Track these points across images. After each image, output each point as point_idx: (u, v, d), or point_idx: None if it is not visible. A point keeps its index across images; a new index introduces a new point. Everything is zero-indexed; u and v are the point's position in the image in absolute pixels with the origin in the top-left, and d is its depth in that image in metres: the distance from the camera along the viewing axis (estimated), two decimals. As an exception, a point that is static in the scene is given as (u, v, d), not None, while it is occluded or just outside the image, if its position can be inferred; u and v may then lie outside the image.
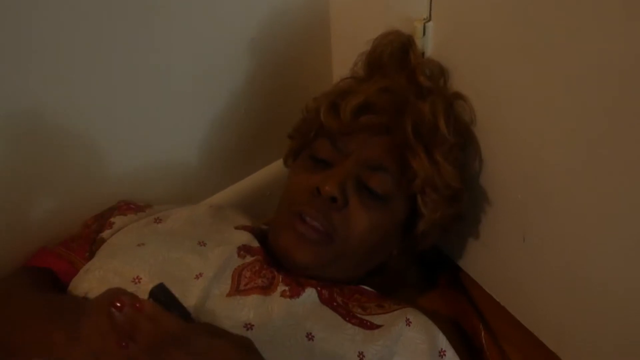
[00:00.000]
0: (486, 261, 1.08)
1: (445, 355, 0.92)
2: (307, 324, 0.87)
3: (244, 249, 0.96)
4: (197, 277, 0.89)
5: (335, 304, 0.93)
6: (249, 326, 0.85)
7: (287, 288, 0.91)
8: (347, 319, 0.90)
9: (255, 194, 1.21)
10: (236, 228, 1.02)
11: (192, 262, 0.91)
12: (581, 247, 0.91)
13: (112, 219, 1.02)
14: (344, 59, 1.18)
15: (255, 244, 0.97)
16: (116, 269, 0.90)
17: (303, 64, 1.20)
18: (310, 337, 0.85)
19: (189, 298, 0.86)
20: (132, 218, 1.02)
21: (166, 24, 1.02)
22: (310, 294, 0.92)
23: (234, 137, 1.19)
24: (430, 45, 1.03)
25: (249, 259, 0.94)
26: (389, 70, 1.02)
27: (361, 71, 1.06)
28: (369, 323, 0.91)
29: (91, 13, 0.93)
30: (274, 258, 0.96)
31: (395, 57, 1.02)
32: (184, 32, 1.05)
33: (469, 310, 1.10)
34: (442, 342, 0.93)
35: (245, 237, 0.98)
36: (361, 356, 0.86)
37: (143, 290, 0.86)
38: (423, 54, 1.03)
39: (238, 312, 0.86)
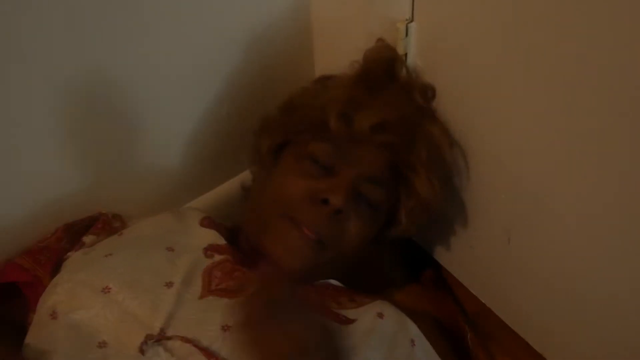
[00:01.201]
0: (471, 262, 1.08)
1: (415, 344, 0.93)
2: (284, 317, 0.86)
3: (210, 249, 0.95)
4: (167, 285, 0.89)
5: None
6: (226, 328, 0.84)
7: None
8: (324, 315, 0.90)
9: (238, 197, 1.19)
10: (201, 224, 1.01)
11: (161, 269, 0.91)
12: (567, 248, 0.91)
13: (84, 238, 1.00)
14: (326, 61, 1.20)
15: (221, 241, 0.97)
16: (85, 281, 0.89)
17: (285, 66, 1.19)
18: None
19: (162, 307, 0.86)
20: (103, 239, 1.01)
21: (146, 26, 1.01)
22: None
23: (216, 140, 1.17)
24: (412, 46, 1.02)
25: (217, 257, 0.94)
26: (381, 87, 1.02)
27: (353, 75, 1.05)
28: (344, 317, 0.92)
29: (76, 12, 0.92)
30: (245, 255, 0.96)
31: (387, 73, 1.03)
32: (164, 34, 1.03)
33: (454, 311, 1.10)
34: (413, 331, 0.94)
35: (211, 236, 0.98)
36: None
37: (112, 300, 0.86)
38: (406, 55, 1.03)
39: (212, 314, 0.86)
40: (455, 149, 1.01)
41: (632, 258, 0.83)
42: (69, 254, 0.98)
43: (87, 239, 1.00)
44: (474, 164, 1.00)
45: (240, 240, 1.01)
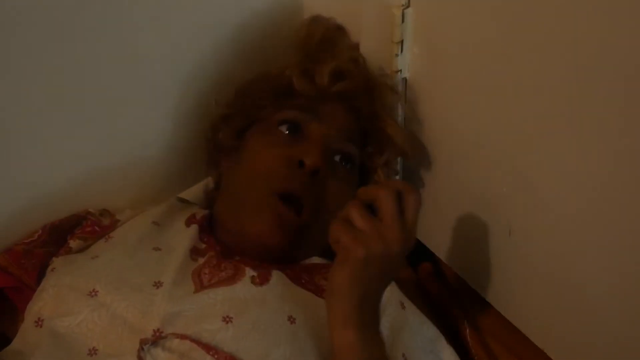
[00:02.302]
0: (470, 255, 1.07)
1: (405, 307, 0.95)
2: (285, 307, 0.86)
3: (194, 252, 0.93)
4: (156, 285, 0.86)
5: (303, 281, 0.92)
6: (228, 319, 0.82)
7: (255, 274, 0.89)
8: (319, 294, 0.90)
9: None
10: (187, 222, 1.00)
11: (148, 269, 0.89)
12: (568, 242, 0.90)
13: (71, 243, 0.97)
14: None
15: (201, 245, 0.95)
16: (71, 284, 0.87)
17: (275, 52, 1.15)
18: (292, 320, 0.84)
19: (154, 308, 0.83)
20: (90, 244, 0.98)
21: (129, 13, 0.99)
22: (279, 277, 0.90)
23: (198, 132, 1.14)
24: (409, 32, 1.00)
25: (201, 260, 0.92)
26: (328, 45, 1.05)
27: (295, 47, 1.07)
28: None
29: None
30: (227, 245, 0.95)
31: (327, 37, 1.06)
32: (150, 20, 1.01)
33: (451, 303, 1.09)
34: (400, 295, 0.96)
35: (194, 236, 0.96)
36: None
37: (100, 303, 0.84)
38: (402, 42, 1.00)
39: (212, 308, 0.84)
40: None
41: (633, 251, 0.82)
42: (54, 258, 0.95)
43: (74, 243, 0.97)
44: (472, 155, 0.99)
45: (218, 234, 0.99)
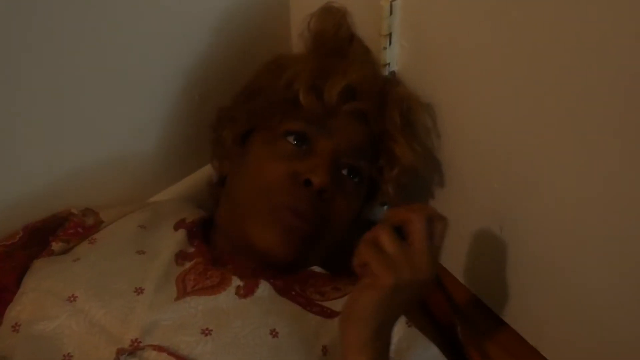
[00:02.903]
0: (461, 252, 1.05)
1: (410, 325, 0.92)
2: (269, 320, 0.84)
3: (181, 256, 0.91)
4: (137, 291, 0.85)
5: (293, 292, 0.90)
6: (207, 331, 0.81)
7: (241, 284, 0.87)
8: (308, 308, 0.89)
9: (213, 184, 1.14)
10: (175, 227, 0.97)
11: (131, 274, 0.87)
12: (561, 238, 0.89)
13: (53, 245, 0.95)
14: (305, 39, 1.13)
15: (190, 249, 0.93)
16: (50, 289, 0.85)
17: (260, 44, 1.13)
18: (274, 333, 0.82)
19: (133, 317, 0.81)
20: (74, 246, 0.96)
21: (117, 7, 0.96)
22: (264, 288, 0.88)
23: (187, 126, 1.13)
24: (397, 25, 0.98)
25: (188, 264, 0.90)
26: (339, 52, 1.00)
27: (308, 49, 1.03)
28: (329, 311, 0.90)
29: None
30: (220, 254, 0.93)
31: (339, 38, 1.01)
32: (135, 15, 0.99)
33: (443, 302, 1.07)
34: (404, 317, 0.92)
35: (181, 241, 0.94)
36: (324, 350, 0.84)
37: (78, 309, 0.82)
38: (390, 35, 0.98)
39: (192, 318, 0.82)
40: (428, 109, 0.99)
41: (626, 247, 0.82)
42: (35, 260, 0.93)
43: (57, 245, 0.95)
44: (463, 150, 0.98)
45: (215, 239, 0.97)
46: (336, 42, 1.00)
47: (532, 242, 0.93)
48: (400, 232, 0.78)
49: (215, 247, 0.96)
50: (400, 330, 0.89)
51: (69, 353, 0.80)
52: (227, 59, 1.12)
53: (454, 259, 1.07)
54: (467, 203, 1.01)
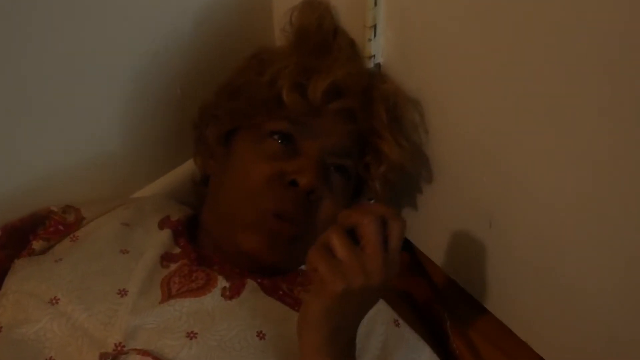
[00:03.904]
0: (450, 246, 1.05)
1: (399, 325, 0.92)
2: (255, 321, 0.83)
3: (166, 258, 0.90)
4: (120, 293, 0.83)
5: (281, 292, 0.89)
6: (192, 335, 0.80)
7: (227, 285, 0.86)
8: (296, 308, 0.87)
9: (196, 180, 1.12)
10: (160, 225, 0.96)
11: (114, 275, 0.86)
12: (551, 232, 0.89)
13: (34, 244, 0.93)
14: (288, 31, 1.12)
15: (175, 250, 0.92)
16: (32, 291, 0.84)
17: (243, 37, 1.11)
18: (261, 335, 0.82)
19: (116, 320, 0.80)
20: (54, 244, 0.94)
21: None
22: (252, 288, 0.87)
23: (170, 121, 1.11)
24: (382, 16, 0.96)
25: (173, 266, 0.89)
26: (323, 47, 0.98)
27: (291, 43, 1.01)
28: None
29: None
30: (205, 253, 0.92)
31: (321, 33, 0.99)
32: (103, 10, 0.96)
33: (431, 296, 1.07)
34: (392, 314, 0.92)
35: (166, 242, 0.92)
36: None
37: (60, 312, 0.81)
38: (375, 26, 0.97)
39: (176, 322, 0.81)
40: (415, 104, 0.98)
41: (616, 242, 0.81)
42: (16, 260, 0.91)
43: (37, 244, 0.93)
44: (451, 144, 0.96)
45: (201, 238, 0.96)
46: (319, 36, 0.98)
47: (521, 236, 0.92)
48: (354, 235, 0.75)
49: (201, 246, 0.94)
50: (387, 330, 0.89)
51: (51, 357, 0.78)
52: (209, 52, 1.10)
53: (442, 253, 1.06)
54: (455, 198, 1.00)
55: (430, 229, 1.07)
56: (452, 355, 1.00)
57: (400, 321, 0.92)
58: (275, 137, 0.91)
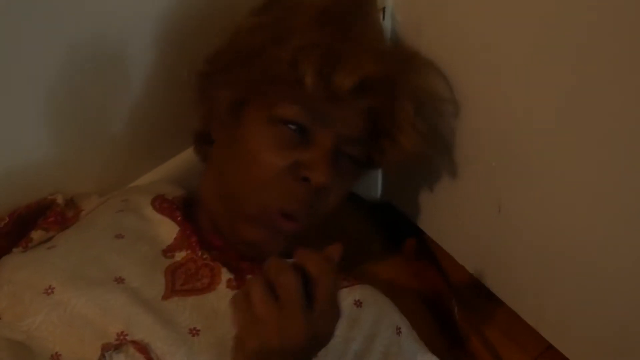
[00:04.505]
0: (459, 232, 1.05)
1: (401, 333, 0.89)
2: None
3: (169, 249, 0.88)
4: (117, 280, 0.82)
5: None
6: (194, 331, 0.79)
7: (232, 276, 0.85)
8: None
9: (196, 169, 1.11)
10: (153, 203, 0.93)
11: (109, 261, 0.84)
12: (560, 217, 0.89)
13: (32, 234, 0.92)
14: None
15: (175, 236, 0.89)
16: (26, 281, 0.82)
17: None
18: None
19: (115, 308, 0.79)
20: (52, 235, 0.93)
21: None
22: None
23: (176, 105, 1.06)
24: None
25: (178, 256, 0.87)
26: (353, 25, 0.90)
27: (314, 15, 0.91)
28: None
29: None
30: (206, 234, 0.90)
31: (350, 12, 0.91)
32: None
33: (439, 282, 1.06)
34: (397, 318, 0.90)
35: (167, 231, 0.90)
36: None
37: (57, 302, 0.79)
38: (384, 9, 0.96)
39: (179, 316, 0.80)
40: (435, 96, 0.94)
41: (626, 225, 0.81)
42: (13, 249, 0.90)
43: (36, 234, 0.92)
44: (461, 128, 0.95)
45: (201, 218, 0.93)
46: (350, 17, 0.90)
47: (532, 221, 0.92)
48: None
49: (201, 226, 0.92)
50: (391, 336, 0.87)
51: (57, 352, 0.77)
52: (216, 36, 1.03)
53: (451, 237, 1.06)
54: (464, 182, 0.99)
55: (439, 214, 1.07)
56: (460, 342, 1.00)
57: (403, 329, 0.89)
58: (291, 126, 0.86)
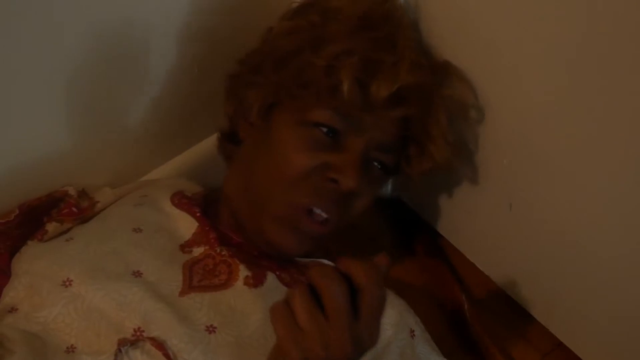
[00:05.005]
0: (470, 229, 1.05)
1: (415, 335, 0.88)
2: None
3: (187, 244, 0.88)
4: (135, 274, 0.82)
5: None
6: (211, 329, 0.78)
7: (249, 273, 0.84)
8: None
9: (213, 159, 1.10)
10: (172, 199, 0.93)
11: (128, 255, 0.84)
12: (571, 215, 0.89)
13: (47, 226, 0.91)
14: None
15: (194, 231, 0.89)
16: (44, 272, 0.82)
17: (260, 13, 1.06)
18: None
19: (132, 302, 0.78)
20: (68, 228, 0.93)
21: None
22: (273, 279, 0.85)
23: (186, 99, 1.08)
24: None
25: (196, 252, 0.87)
26: (387, 35, 0.90)
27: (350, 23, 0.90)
28: None
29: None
30: (226, 230, 0.90)
31: (385, 20, 0.91)
32: None
33: (449, 280, 1.06)
34: (411, 320, 0.89)
35: (186, 227, 0.89)
36: None
37: (75, 294, 0.79)
38: None
39: (196, 313, 0.79)
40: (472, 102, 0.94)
41: (638, 222, 0.81)
42: (29, 242, 0.90)
43: (51, 226, 0.91)
44: (473, 126, 0.95)
45: (221, 215, 0.93)
46: (387, 28, 0.89)
47: (543, 219, 0.92)
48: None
49: (221, 222, 0.92)
50: (404, 338, 0.87)
51: (72, 344, 0.77)
52: (226, 31, 1.07)
53: (462, 235, 1.06)
54: (475, 180, 0.99)
55: (449, 211, 1.06)
56: (471, 338, 1.00)
57: (417, 331, 0.89)
58: (323, 129, 0.86)
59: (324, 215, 0.84)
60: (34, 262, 0.84)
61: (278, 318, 0.64)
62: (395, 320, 0.85)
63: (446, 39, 0.93)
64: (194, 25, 1.04)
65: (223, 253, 0.86)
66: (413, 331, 0.88)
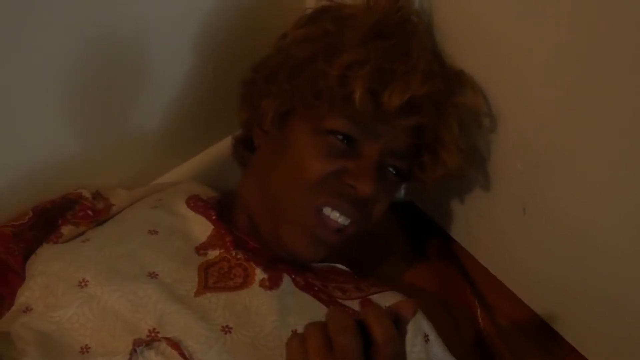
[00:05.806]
0: (482, 233, 1.04)
1: (429, 340, 0.89)
2: (290, 319, 0.81)
3: (202, 247, 0.88)
4: (150, 275, 0.82)
5: (315, 288, 0.88)
6: (227, 329, 0.78)
7: (266, 276, 0.85)
8: (329, 306, 0.86)
9: (227, 161, 1.10)
10: (187, 202, 0.94)
11: (144, 257, 0.84)
12: (586, 219, 0.88)
13: (62, 229, 0.92)
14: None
15: (209, 234, 0.89)
16: (59, 273, 0.83)
17: (275, 15, 1.07)
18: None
19: (148, 303, 0.79)
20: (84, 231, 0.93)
21: None
22: (288, 282, 0.86)
23: (201, 100, 1.09)
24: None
25: (211, 255, 0.87)
26: (401, 42, 0.89)
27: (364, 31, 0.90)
28: (350, 311, 0.87)
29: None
30: (241, 233, 0.91)
31: (401, 19, 0.91)
32: None
33: (462, 284, 1.06)
34: (425, 325, 0.90)
35: (201, 230, 0.90)
36: None
37: (90, 295, 0.80)
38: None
39: (212, 313, 0.80)
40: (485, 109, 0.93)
41: None
42: (44, 244, 0.90)
43: (66, 229, 0.92)
44: (486, 130, 0.94)
45: (237, 219, 0.94)
46: (400, 37, 0.89)
47: (557, 223, 0.91)
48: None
49: (237, 226, 0.92)
50: (419, 343, 0.87)
51: (86, 345, 0.77)
52: (241, 32, 1.07)
53: (475, 239, 1.05)
54: (488, 184, 0.98)
55: (463, 216, 1.06)
56: (483, 342, 1.00)
57: (431, 336, 0.89)
58: (338, 136, 0.87)
59: (343, 219, 0.85)
60: (50, 263, 0.84)
61: (291, 352, 0.64)
62: (411, 326, 0.85)
63: (459, 45, 0.93)
64: (209, 28, 1.04)
65: (239, 256, 0.87)
66: (427, 335, 0.89)
